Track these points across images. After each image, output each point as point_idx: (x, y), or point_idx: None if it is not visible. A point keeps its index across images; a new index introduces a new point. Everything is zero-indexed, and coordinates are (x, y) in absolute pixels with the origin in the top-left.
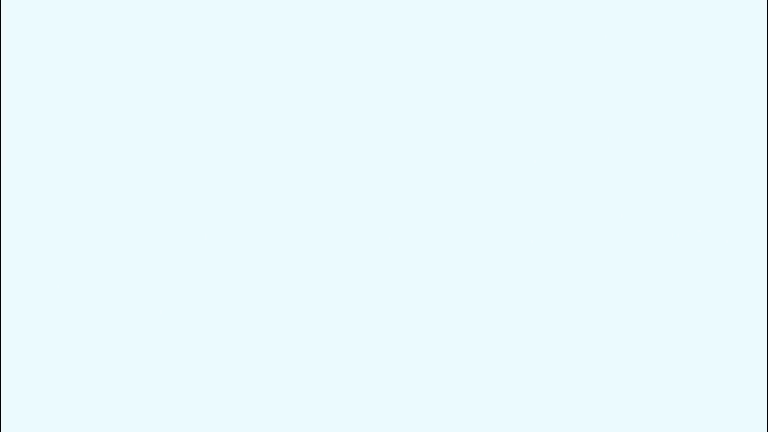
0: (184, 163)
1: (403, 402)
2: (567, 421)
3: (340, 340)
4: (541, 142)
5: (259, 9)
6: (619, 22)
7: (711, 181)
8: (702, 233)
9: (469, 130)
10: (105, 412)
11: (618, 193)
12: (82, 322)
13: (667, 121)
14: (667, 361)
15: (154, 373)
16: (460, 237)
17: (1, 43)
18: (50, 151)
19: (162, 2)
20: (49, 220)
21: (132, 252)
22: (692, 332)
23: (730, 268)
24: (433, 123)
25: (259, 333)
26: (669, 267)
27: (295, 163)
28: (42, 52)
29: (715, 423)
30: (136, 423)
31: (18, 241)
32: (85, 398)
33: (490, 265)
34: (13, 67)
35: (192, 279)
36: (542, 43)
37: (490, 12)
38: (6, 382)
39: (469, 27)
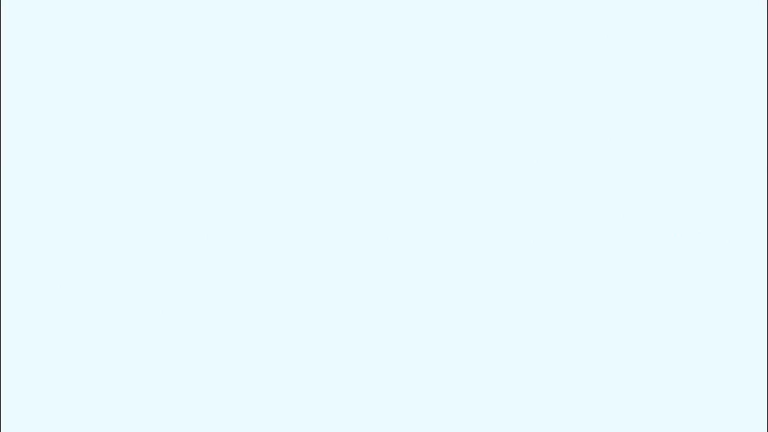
0: (184, 163)
1: (402, 402)
2: (567, 421)
3: (340, 340)
4: (541, 142)
5: (259, 9)
6: (619, 22)
7: (711, 181)
8: (702, 233)
9: (469, 130)
10: (105, 413)
11: (618, 193)
12: (82, 322)
13: (667, 121)
14: (667, 361)
15: (154, 373)
16: (460, 237)
17: (1, 43)
18: (50, 151)
19: (162, 2)
20: (49, 220)
21: (132, 252)
22: (692, 332)
23: (730, 268)
24: (433, 123)
25: (259, 333)
26: (669, 267)
27: (295, 163)
28: (42, 52)
29: (715, 423)
30: (136, 423)
31: (18, 241)
32: (85, 398)
33: (490, 265)
34: (13, 67)
35: (192, 279)
36: (542, 43)
37: (490, 12)
38: (6, 382)
39: (469, 27)
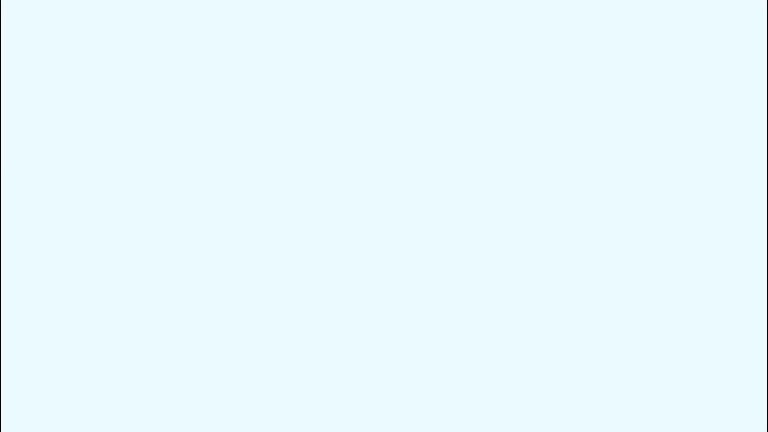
0: (184, 163)
1: (402, 402)
2: (567, 421)
3: (340, 341)
4: (541, 142)
5: (259, 9)
6: (619, 22)
7: (711, 181)
8: (702, 233)
9: (469, 130)
10: (105, 413)
11: (618, 193)
12: (82, 322)
13: (667, 121)
14: (667, 362)
15: (154, 373)
16: (460, 237)
17: (1, 43)
18: (50, 151)
19: (162, 2)
20: (49, 220)
21: (132, 252)
22: (692, 332)
23: (730, 268)
24: (433, 123)
25: (259, 333)
26: (669, 267)
27: (295, 163)
28: (42, 52)
29: (715, 423)
30: (136, 423)
31: (18, 241)
32: (85, 398)
33: (490, 265)
34: (13, 67)
35: (192, 279)
36: (542, 43)
37: (490, 12)
38: (6, 382)
39: (469, 27)
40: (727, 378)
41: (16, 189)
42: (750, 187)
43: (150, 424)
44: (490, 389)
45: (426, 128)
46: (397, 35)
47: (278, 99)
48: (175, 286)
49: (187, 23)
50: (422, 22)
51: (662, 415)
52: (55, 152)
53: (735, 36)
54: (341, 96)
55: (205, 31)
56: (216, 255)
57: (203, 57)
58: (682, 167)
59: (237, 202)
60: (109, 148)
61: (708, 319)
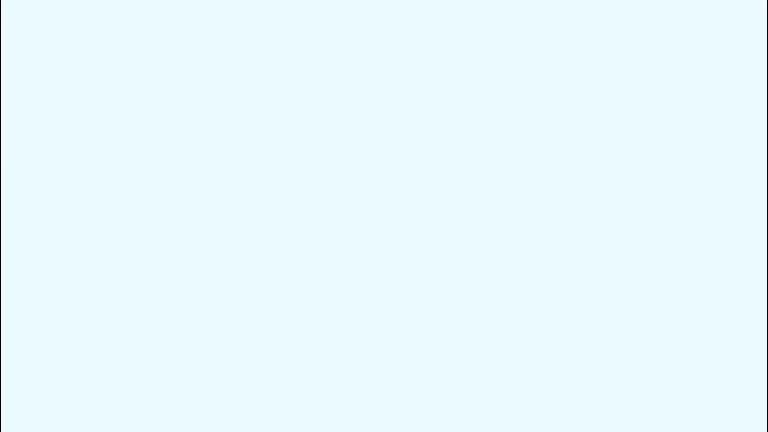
0: (184, 163)
1: (402, 402)
2: (567, 421)
3: (340, 341)
4: (541, 142)
5: (259, 9)
6: (619, 22)
7: (711, 181)
8: (702, 233)
9: (469, 130)
10: (105, 413)
11: (618, 193)
12: (82, 322)
13: (667, 121)
14: (667, 362)
15: (154, 373)
16: (460, 237)
17: (1, 43)
18: (50, 151)
19: (162, 2)
20: (49, 220)
21: (132, 252)
22: (692, 332)
23: (730, 268)
24: (433, 123)
25: (259, 333)
26: (669, 267)
27: (295, 163)
28: (42, 52)
29: (715, 423)
30: (136, 423)
31: (18, 241)
32: (85, 398)
33: (490, 265)
34: (13, 67)
35: (192, 279)
36: (542, 43)
37: (490, 12)
38: (6, 382)
39: (469, 27)
40: (727, 378)
41: (16, 189)
42: (750, 187)
43: (150, 424)
44: (490, 389)
45: (426, 128)
46: (397, 35)
47: (278, 99)
48: (175, 285)
49: (187, 23)
50: (422, 22)
51: (662, 415)
52: (55, 152)
53: (735, 36)
54: (341, 96)
55: (205, 31)
56: (216, 254)
57: (203, 57)
58: (682, 167)
59: (237, 202)
60: (109, 148)
61: (708, 318)
